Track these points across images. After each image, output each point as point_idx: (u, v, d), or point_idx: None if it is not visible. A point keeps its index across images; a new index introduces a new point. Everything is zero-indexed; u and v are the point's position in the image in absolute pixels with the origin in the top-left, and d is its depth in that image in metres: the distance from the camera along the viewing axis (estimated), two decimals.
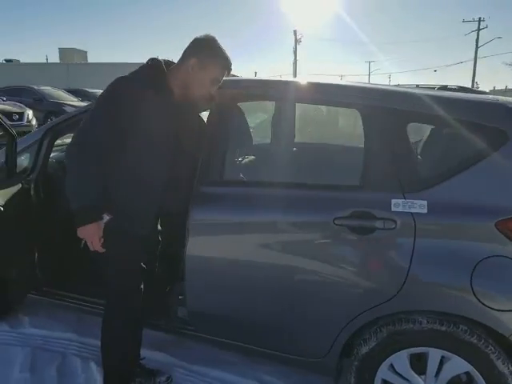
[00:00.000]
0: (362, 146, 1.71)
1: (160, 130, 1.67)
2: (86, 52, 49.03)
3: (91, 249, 1.64)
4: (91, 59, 47.49)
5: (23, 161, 2.25)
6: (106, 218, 1.65)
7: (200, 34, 1.72)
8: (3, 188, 1.94)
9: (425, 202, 1.56)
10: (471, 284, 1.49)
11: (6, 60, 34.46)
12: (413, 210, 1.57)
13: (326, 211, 1.66)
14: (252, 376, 2.15)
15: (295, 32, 38.31)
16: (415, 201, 1.57)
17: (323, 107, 2.82)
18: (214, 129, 1.90)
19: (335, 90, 1.83)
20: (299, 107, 2.52)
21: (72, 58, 42.82)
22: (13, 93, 13.24)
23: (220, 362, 2.22)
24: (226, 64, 1.71)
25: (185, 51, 1.73)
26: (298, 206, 1.73)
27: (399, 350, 1.62)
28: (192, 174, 1.82)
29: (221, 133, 1.91)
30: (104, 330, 1.84)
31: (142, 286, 1.81)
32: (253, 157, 2.38)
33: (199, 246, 1.84)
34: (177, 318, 2.11)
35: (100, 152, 1.60)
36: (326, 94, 1.83)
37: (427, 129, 1.89)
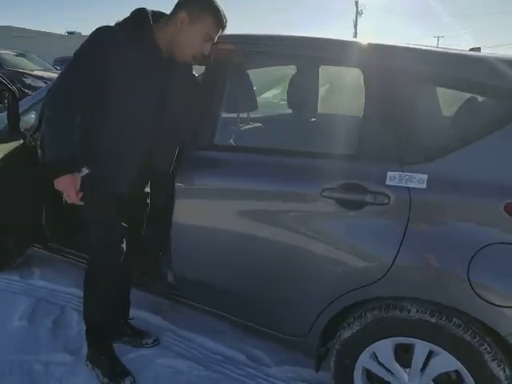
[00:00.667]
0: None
1: (142, 87, 1.57)
2: None
3: (68, 202, 1.60)
4: None
5: (32, 119, 2.27)
6: (85, 171, 1.58)
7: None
8: (3, 143, 1.97)
9: (425, 177, 1.37)
10: (468, 273, 1.30)
11: (68, 32, 35.85)
12: (410, 185, 1.38)
13: (316, 181, 1.52)
14: (239, 348, 2.08)
15: (357, 3, 36.37)
16: (414, 174, 1.38)
17: (325, 68, 2.62)
18: (209, 90, 1.79)
19: (337, 47, 1.65)
20: (303, 68, 2.33)
21: None
22: (66, 63, 13.80)
23: (210, 331, 2.17)
24: (218, 19, 1.57)
25: (175, 4, 1.61)
26: (288, 174, 1.60)
27: (383, 338, 1.47)
28: (178, 137, 1.75)
29: (217, 95, 1.79)
30: (85, 285, 1.84)
31: (124, 246, 1.77)
32: (257, 124, 2.23)
33: (185, 211, 1.77)
34: (167, 283, 2.07)
35: (74, 101, 1.53)
36: (327, 51, 1.66)
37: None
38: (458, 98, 1.62)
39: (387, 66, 1.46)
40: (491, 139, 1.33)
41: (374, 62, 1.48)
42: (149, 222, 1.96)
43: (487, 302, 1.29)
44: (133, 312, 2.21)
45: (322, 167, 1.55)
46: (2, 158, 1.97)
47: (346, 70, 2.04)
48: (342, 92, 2.69)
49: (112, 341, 1.95)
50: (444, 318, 1.35)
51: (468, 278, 1.30)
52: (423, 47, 1.63)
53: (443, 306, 1.36)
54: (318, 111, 2.69)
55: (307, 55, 1.82)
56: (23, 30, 36.14)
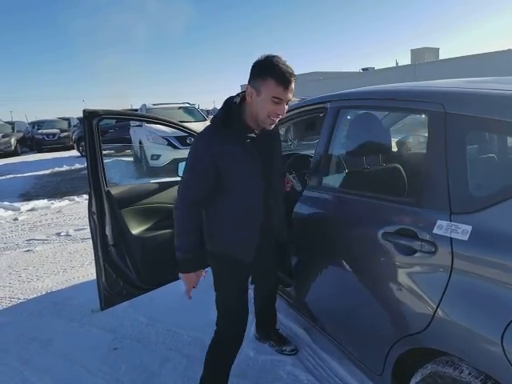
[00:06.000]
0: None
1: (246, 168, 1.69)
2: (437, 49, 48.42)
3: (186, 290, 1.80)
4: (443, 56, 46.60)
5: None
6: (203, 273, 1.80)
7: None
8: None
9: (469, 228, 1.27)
10: (502, 342, 1.13)
11: (362, 69, 39.39)
12: (454, 236, 1.30)
13: (380, 224, 1.60)
14: (360, 378, 2.16)
15: None
16: (460, 224, 1.30)
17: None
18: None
19: (407, 94, 1.64)
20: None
21: (423, 58, 43.41)
22: None
23: (342, 356, 2.32)
24: (279, 81, 1.55)
25: None
26: (361, 214, 1.74)
27: None
28: (280, 191, 2.05)
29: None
30: (210, 346, 1.96)
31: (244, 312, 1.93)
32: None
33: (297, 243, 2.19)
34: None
35: (198, 206, 1.72)
36: (396, 101, 1.68)
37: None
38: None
39: (442, 112, 1.41)
40: None
41: (436, 109, 1.45)
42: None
43: None
44: (285, 322, 2.71)
45: (385, 210, 1.61)
46: None
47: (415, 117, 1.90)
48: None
49: None
50: None
51: (502, 347, 1.13)
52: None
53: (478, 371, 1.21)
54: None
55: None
56: (326, 73, 42.29)
